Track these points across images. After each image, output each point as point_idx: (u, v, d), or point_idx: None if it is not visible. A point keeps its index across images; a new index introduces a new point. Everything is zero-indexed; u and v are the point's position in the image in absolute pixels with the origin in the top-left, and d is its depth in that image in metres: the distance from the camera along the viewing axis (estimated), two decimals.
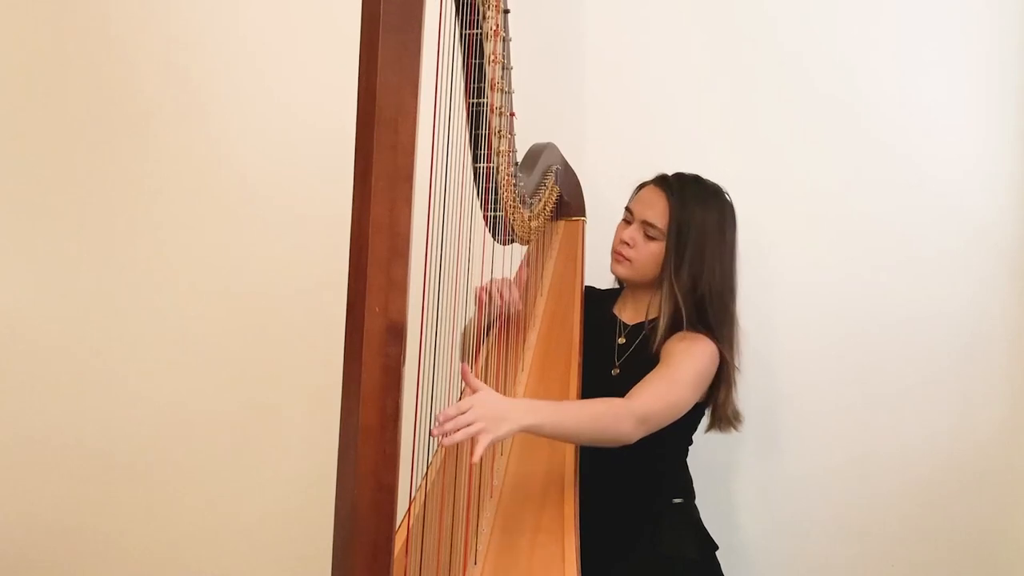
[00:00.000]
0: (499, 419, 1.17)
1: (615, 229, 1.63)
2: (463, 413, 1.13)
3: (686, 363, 1.46)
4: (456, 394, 1.47)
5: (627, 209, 1.60)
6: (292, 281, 2.15)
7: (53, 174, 2.18)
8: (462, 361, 1.58)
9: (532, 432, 1.25)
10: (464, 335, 1.61)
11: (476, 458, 1.12)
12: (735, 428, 1.58)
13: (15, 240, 2.19)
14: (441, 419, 1.12)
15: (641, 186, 1.61)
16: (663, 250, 1.52)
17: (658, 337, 1.50)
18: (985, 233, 2.04)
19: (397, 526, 0.88)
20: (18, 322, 2.20)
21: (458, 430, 1.11)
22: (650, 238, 1.53)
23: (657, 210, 1.52)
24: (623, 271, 1.58)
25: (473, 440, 1.13)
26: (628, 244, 1.55)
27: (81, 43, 2.15)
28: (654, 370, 1.46)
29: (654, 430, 1.41)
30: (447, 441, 1.12)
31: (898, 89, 2.06)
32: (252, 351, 2.19)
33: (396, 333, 0.82)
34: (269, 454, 2.20)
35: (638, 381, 1.46)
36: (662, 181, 1.56)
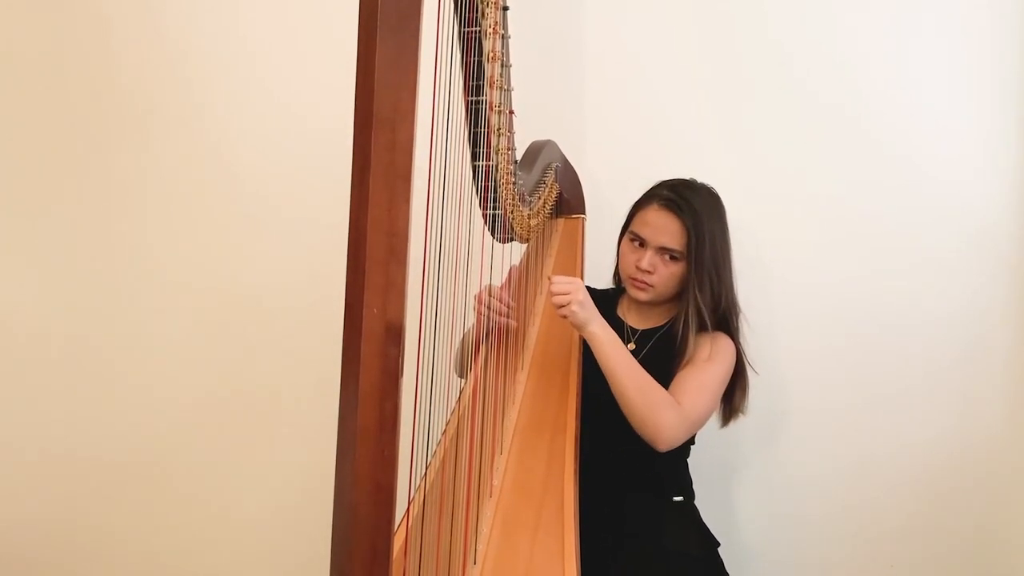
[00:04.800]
0: (587, 306, 1.40)
1: (620, 247, 1.61)
2: (571, 283, 1.40)
3: (717, 372, 1.50)
4: (456, 394, 1.47)
5: (632, 232, 1.57)
6: (291, 281, 2.15)
7: (52, 174, 2.18)
8: (459, 375, 1.59)
9: (592, 341, 1.42)
10: (461, 346, 1.60)
11: (555, 300, 1.40)
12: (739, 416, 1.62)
13: (14, 240, 2.19)
14: (555, 279, 1.40)
15: (640, 206, 1.58)
16: (683, 268, 1.52)
17: (688, 350, 1.51)
18: (985, 234, 2.04)
19: (396, 527, 0.88)
20: (16, 322, 2.19)
21: (563, 296, 1.38)
22: (672, 260, 1.53)
23: (672, 233, 1.51)
24: (646, 296, 1.56)
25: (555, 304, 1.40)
26: (648, 271, 1.53)
27: (80, 43, 2.15)
28: (687, 373, 1.48)
29: (690, 435, 1.47)
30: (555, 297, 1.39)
31: (898, 91, 2.06)
32: (251, 352, 2.19)
33: (394, 334, 0.81)
34: (268, 455, 2.20)
35: None
36: (668, 202, 1.52)
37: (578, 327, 1.42)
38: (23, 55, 2.15)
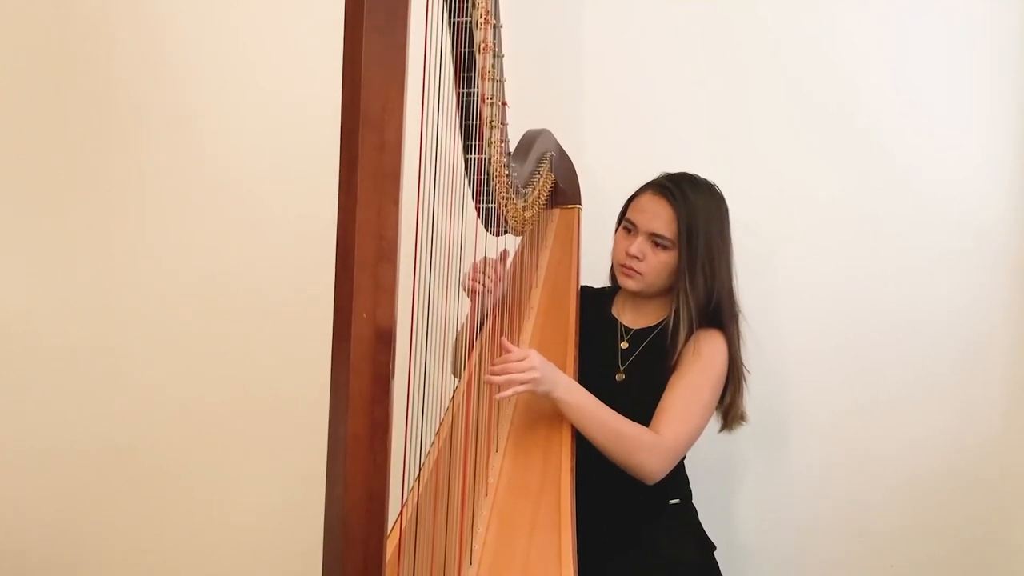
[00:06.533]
0: (546, 378, 1.32)
1: (615, 237, 1.59)
2: (523, 360, 1.30)
3: (705, 385, 1.46)
4: (449, 397, 1.45)
5: (627, 219, 1.55)
6: (284, 284, 2.13)
7: (48, 174, 2.16)
8: (454, 374, 1.56)
9: (560, 406, 1.37)
10: (456, 341, 1.58)
11: (499, 396, 1.31)
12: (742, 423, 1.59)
13: (11, 240, 2.17)
14: (499, 363, 1.30)
15: (636, 194, 1.57)
16: (674, 259, 1.49)
17: (678, 348, 1.48)
18: (985, 236, 2.03)
19: (389, 530, 0.86)
20: (12, 322, 2.18)
21: (515, 376, 1.29)
22: (660, 248, 1.50)
23: (664, 220, 1.49)
24: (634, 285, 1.53)
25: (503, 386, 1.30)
26: (637, 258, 1.51)
27: (74, 42, 2.13)
28: (674, 390, 1.45)
29: (676, 461, 1.45)
30: (500, 381, 1.29)
31: (898, 91, 2.04)
32: (244, 354, 2.17)
33: (385, 339, 0.79)
34: (261, 460, 2.19)
35: (645, 387, 1.47)
36: (662, 188, 1.51)
37: (544, 396, 1.37)
38: (19, 55, 2.13)
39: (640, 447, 1.39)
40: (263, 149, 2.12)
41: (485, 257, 1.48)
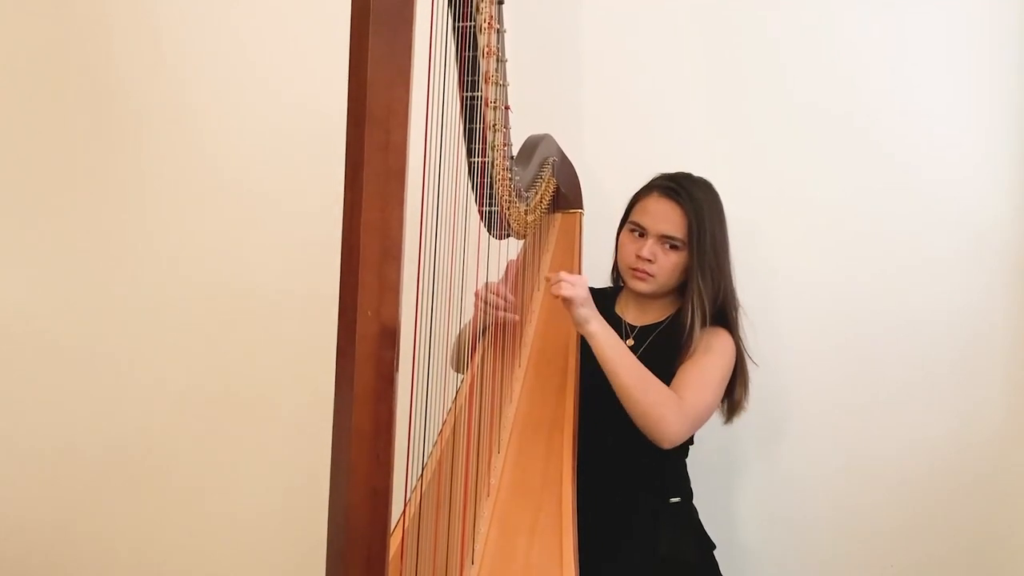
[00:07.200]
0: (587, 301, 1.39)
1: (619, 239, 1.60)
2: (579, 282, 1.38)
3: (718, 367, 1.48)
4: (452, 395, 1.45)
5: (633, 222, 1.56)
6: (287, 283, 2.13)
7: (48, 174, 2.16)
8: (455, 368, 1.57)
9: (591, 340, 1.40)
10: (458, 340, 1.59)
11: (555, 290, 1.37)
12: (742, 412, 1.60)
13: (10, 239, 2.17)
14: (561, 273, 1.38)
15: (640, 196, 1.57)
16: (684, 258, 1.51)
17: (693, 344, 1.49)
18: (985, 235, 2.03)
19: (392, 529, 0.87)
20: (11, 321, 2.17)
21: (565, 277, 1.37)
22: (672, 249, 1.51)
23: (675, 222, 1.50)
24: (647, 287, 1.54)
25: (555, 294, 1.38)
26: (650, 260, 1.51)
27: (74, 42, 2.13)
28: (687, 372, 1.47)
29: (694, 430, 1.46)
30: (554, 286, 1.37)
31: (898, 95, 2.04)
32: (247, 353, 2.17)
33: (389, 336, 0.79)
34: (264, 457, 2.19)
35: None
36: (668, 190, 1.52)
37: (578, 324, 1.40)
38: (19, 55, 2.13)
39: (666, 400, 1.40)
40: (264, 149, 2.12)
41: (488, 283, 1.49)
